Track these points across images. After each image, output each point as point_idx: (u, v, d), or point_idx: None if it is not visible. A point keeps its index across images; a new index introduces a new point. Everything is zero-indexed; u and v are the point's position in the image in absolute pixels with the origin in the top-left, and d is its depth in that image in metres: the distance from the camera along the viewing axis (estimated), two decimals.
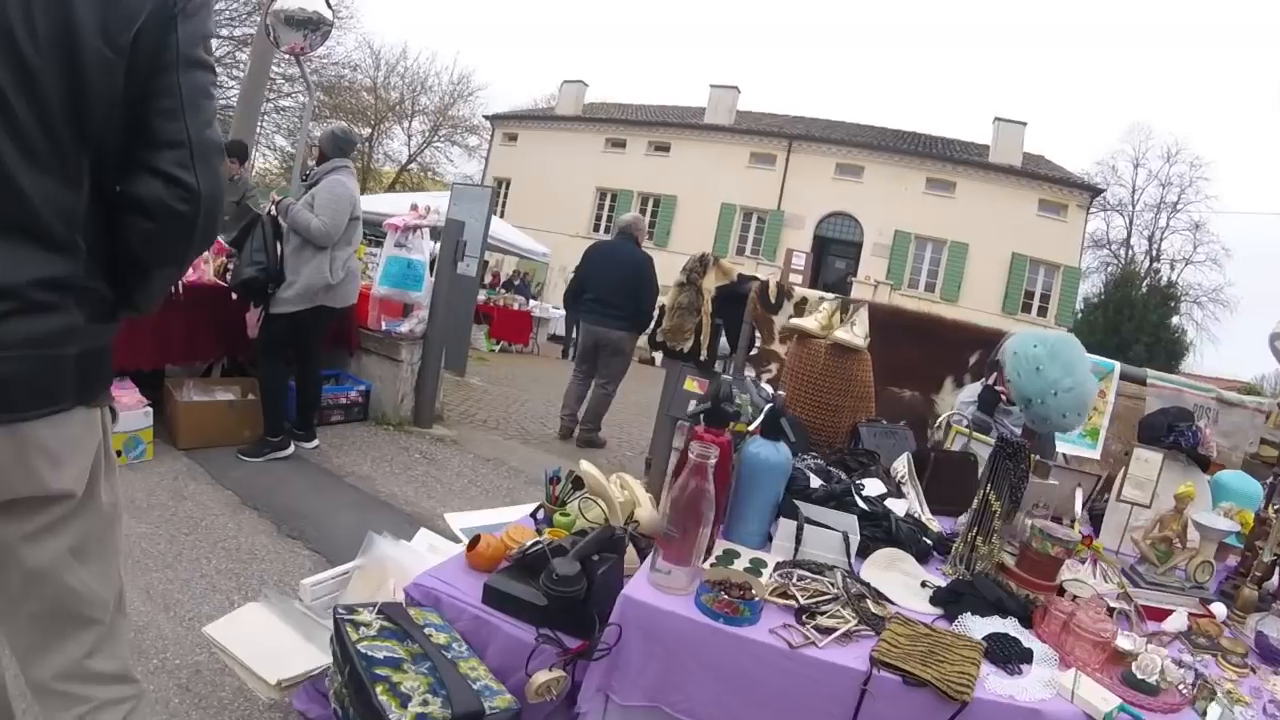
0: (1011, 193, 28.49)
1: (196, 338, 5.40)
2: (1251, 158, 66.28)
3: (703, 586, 1.72)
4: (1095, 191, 30.86)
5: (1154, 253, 38.80)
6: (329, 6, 8.91)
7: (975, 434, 3.22)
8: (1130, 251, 39.24)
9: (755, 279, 5.71)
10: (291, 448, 5.32)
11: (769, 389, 3.01)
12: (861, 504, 2.31)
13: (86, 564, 1.43)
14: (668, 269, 20.73)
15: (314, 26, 8.89)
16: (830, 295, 4.62)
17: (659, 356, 19.42)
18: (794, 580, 1.87)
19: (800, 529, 2.05)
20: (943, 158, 29.64)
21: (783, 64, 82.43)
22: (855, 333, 3.76)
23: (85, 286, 1.29)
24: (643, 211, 31.60)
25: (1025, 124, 29.33)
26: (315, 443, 5.50)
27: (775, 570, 1.94)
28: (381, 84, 36.74)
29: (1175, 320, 34.20)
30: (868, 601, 1.82)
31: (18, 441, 1.24)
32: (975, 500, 2.23)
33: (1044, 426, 3.28)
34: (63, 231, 1.24)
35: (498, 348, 15.38)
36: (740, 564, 1.94)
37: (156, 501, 4.18)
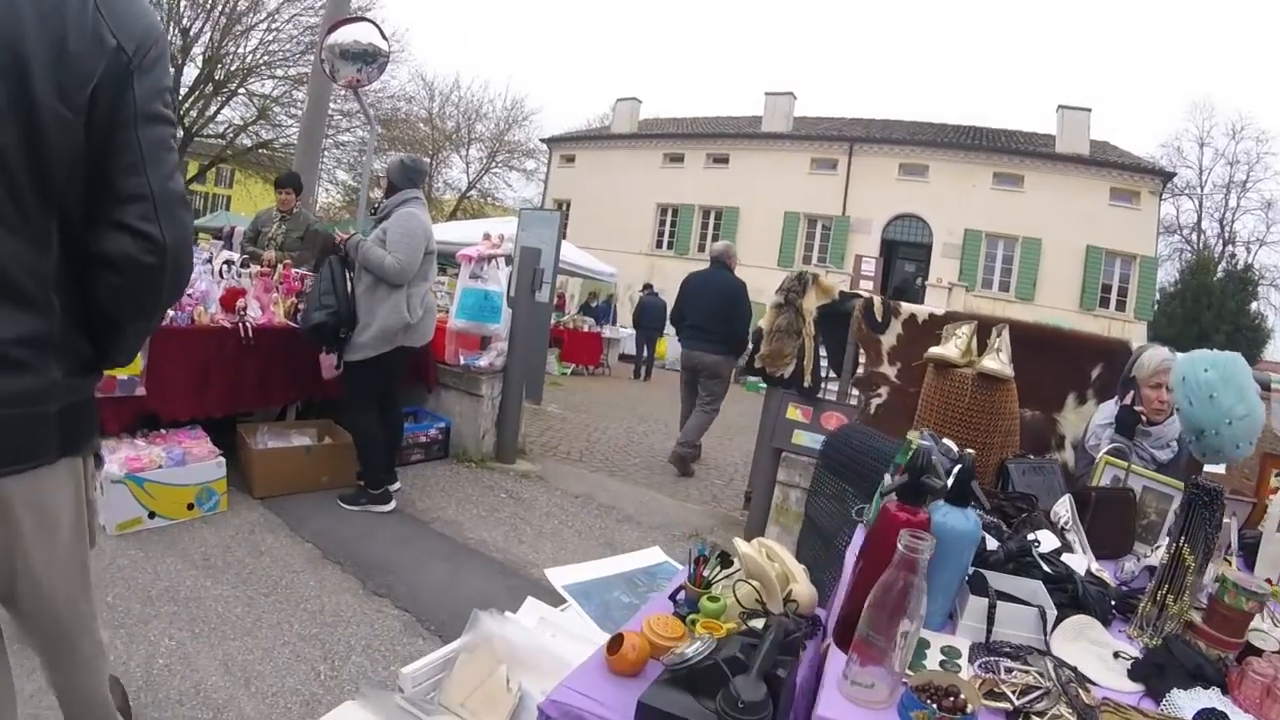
0: (1081, 183, 27.34)
1: (268, 382, 5.21)
2: None
3: (908, 697, 1.36)
4: (1167, 176, 29.52)
5: (1226, 235, 37.93)
6: (384, 38, 8.85)
7: (1135, 468, 2.84)
8: (1202, 236, 38.31)
9: (858, 296, 5.39)
10: (392, 504, 5.07)
11: (952, 445, 2.63)
12: (1044, 565, 2.00)
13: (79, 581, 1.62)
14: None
15: (370, 59, 8.86)
16: (966, 317, 4.18)
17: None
18: (1000, 673, 1.54)
19: (993, 607, 1.70)
20: (1008, 150, 28.63)
21: (837, 66, 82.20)
22: (1002, 359, 3.52)
23: (62, 343, 1.36)
24: (704, 224, 31.67)
25: (1090, 110, 28.23)
26: (397, 485, 5.23)
27: (972, 660, 1.61)
28: (437, 114, 37.06)
29: (1254, 306, 33.14)
30: (1075, 687, 1.51)
31: (4, 496, 1.34)
32: (1164, 553, 1.93)
33: (1215, 459, 3.02)
34: (35, 290, 1.30)
35: (570, 371, 15.21)
36: (933, 656, 1.60)
37: (233, 559, 3.96)
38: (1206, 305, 30.99)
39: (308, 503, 4.86)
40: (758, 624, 1.79)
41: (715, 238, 30.63)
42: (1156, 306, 29.25)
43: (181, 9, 24.24)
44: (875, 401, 5.17)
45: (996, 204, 27.85)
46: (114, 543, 3.87)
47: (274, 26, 25.94)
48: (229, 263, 5.29)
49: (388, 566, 4.15)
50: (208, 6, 24.58)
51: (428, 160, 34.53)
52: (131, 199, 1.35)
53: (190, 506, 4.35)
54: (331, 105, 27.05)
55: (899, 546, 1.38)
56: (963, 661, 1.60)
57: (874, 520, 1.64)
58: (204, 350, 4.76)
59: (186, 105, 25.86)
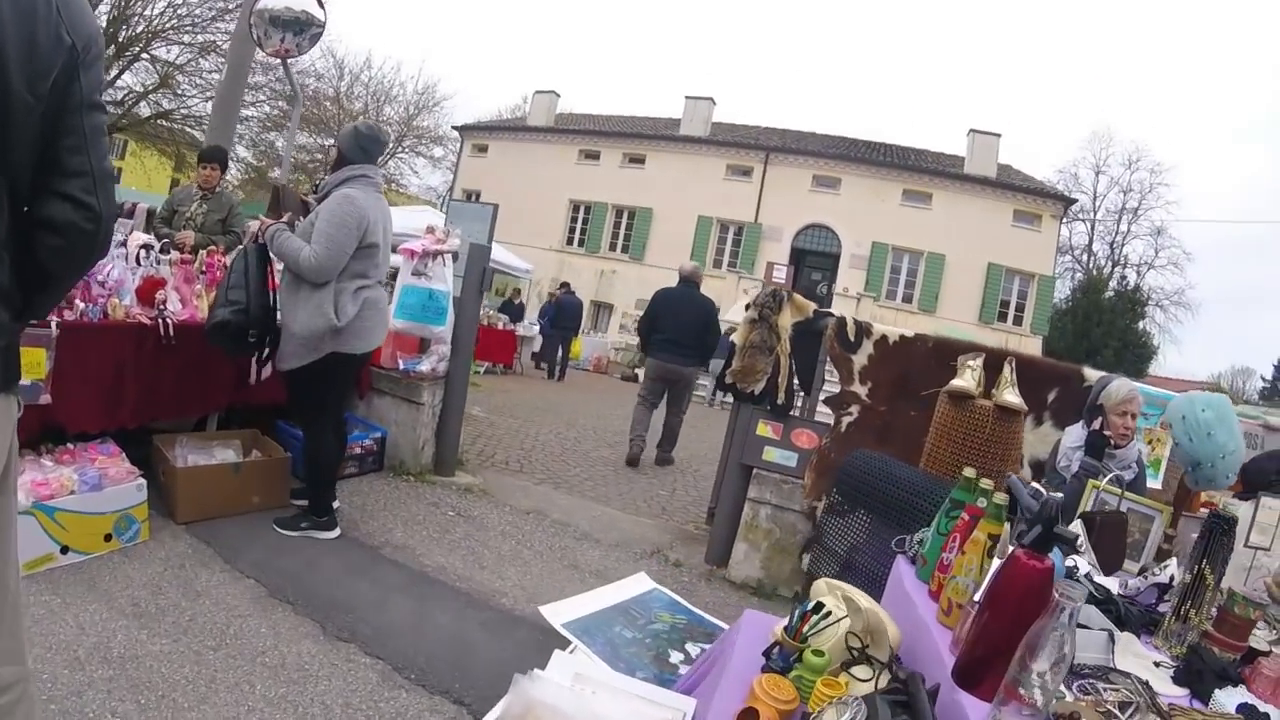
0: (987, 204, 28.41)
1: (190, 387, 4.64)
2: (1210, 160, 66.93)
3: None
4: (1069, 202, 31.21)
5: (1116, 258, 40.28)
6: (320, 6, 8.24)
7: (1127, 494, 3.13)
8: (1092, 257, 40.67)
9: (830, 314, 5.26)
10: (337, 531, 4.53)
11: (1040, 488, 2.61)
12: (1091, 589, 2.13)
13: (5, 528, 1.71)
14: (646, 283, 20.47)
15: (301, 28, 8.26)
16: (974, 349, 4.29)
17: (642, 373, 18.66)
18: (1099, 694, 1.70)
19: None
20: (919, 169, 29.44)
21: (758, 75, 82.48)
22: (1016, 392, 3.80)
23: (6, 290, 1.53)
24: (617, 223, 31.40)
25: (999, 135, 29.33)
26: (336, 503, 4.73)
27: (1068, 685, 1.70)
28: (345, 94, 35.81)
29: (1141, 325, 35.58)
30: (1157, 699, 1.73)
31: None
32: (1183, 572, 2.25)
33: (1207, 487, 3.58)
34: None
35: (483, 369, 14.70)
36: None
37: (167, 602, 3.38)
38: (1096, 322, 33.03)
39: (239, 528, 4.30)
40: (861, 672, 1.86)
41: (628, 237, 30.85)
42: (1049, 323, 30.37)
43: None
44: (846, 420, 5.08)
45: (905, 219, 28.65)
46: (22, 586, 3.28)
47: None
48: (147, 247, 4.65)
49: (345, 604, 3.67)
50: None
51: (389, 130, 33.46)
52: (75, 174, 1.56)
53: (108, 538, 3.75)
54: None
55: (1057, 597, 1.38)
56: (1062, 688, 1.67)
57: (1003, 567, 1.67)
58: (118, 350, 4.17)
59: None
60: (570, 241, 32.24)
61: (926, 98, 78.27)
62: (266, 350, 4.24)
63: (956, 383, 3.88)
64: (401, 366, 5.90)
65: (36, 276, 1.63)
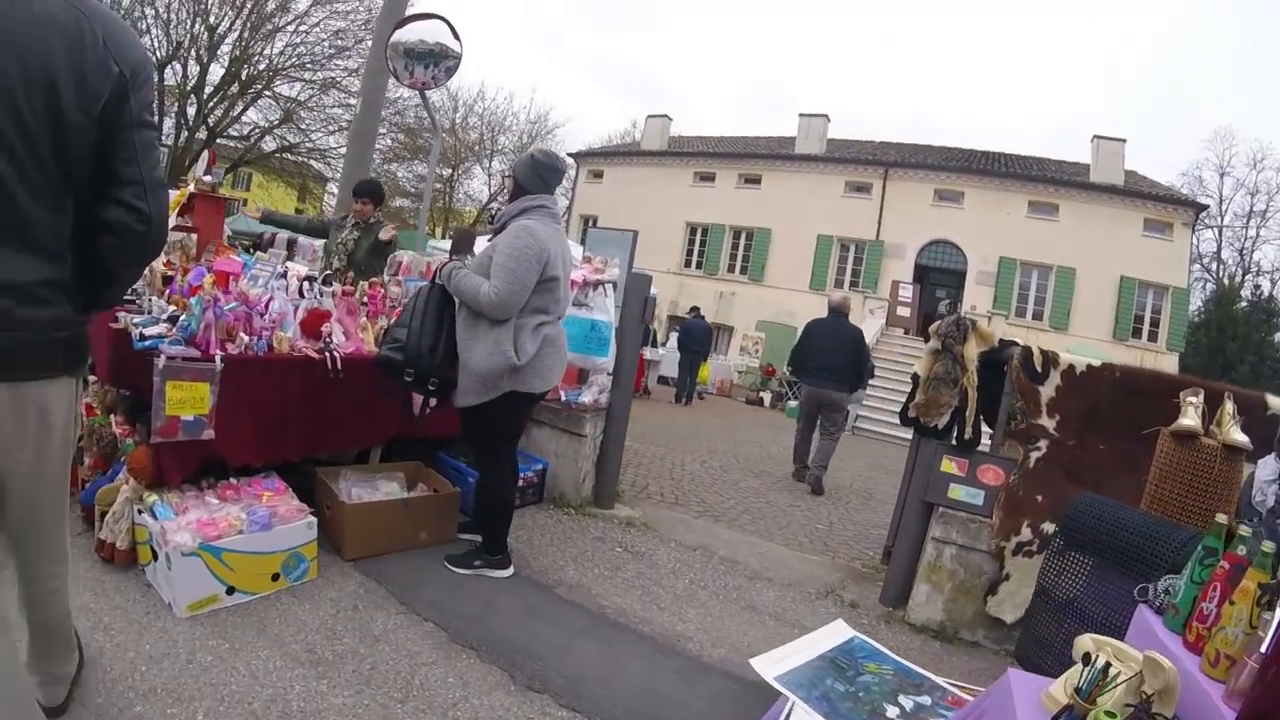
0: (1116, 213, 26.73)
1: (356, 420, 4.48)
2: None
3: None
4: (1199, 208, 29.06)
5: (1246, 265, 38.00)
6: (455, 37, 8.20)
7: None
8: (1223, 266, 38.44)
9: (1015, 344, 4.90)
10: (510, 569, 4.33)
11: None
12: None
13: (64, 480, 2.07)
14: (766, 303, 20.13)
15: (436, 60, 8.29)
16: (1193, 386, 4.03)
17: (767, 397, 18.68)
18: None
19: None
20: (1044, 179, 27.94)
21: (872, 90, 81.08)
22: (1239, 429, 3.64)
23: (71, 286, 1.84)
24: (735, 245, 31.00)
25: (1124, 140, 27.64)
26: None
27: None
28: (460, 124, 36.46)
29: (1278, 337, 33.29)
30: None
31: (18, 396, 1.77)
32: None
33: None
34: (55, 246, 1.78)
35: None
36: None
37: (343, 648, 3.19)
38: (1231, 336, 31.24)
39: (409, 565, 4.14)
40: None
41: (746, 258, 30.47)
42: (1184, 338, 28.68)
43: (209, 5, 24.02)
44: (1034, 455, 4.69)
45: (1032, 232, 27.24)
46: (186, 629, 3.12)
47: (302, 29, 25.60)
48: (309, 279, 4.54)
49: (530, 650, 3.45)
50: (237, 4, 24.22)
51: (568, 159, 34.13)
52: (128, 183, 1.84)
53: (275, 577, 3.60)
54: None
55: None
56: None
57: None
58: (284, 384, 4.05)
59: (211, 104, 25.42)
60: (688, 264, 31.93)
61: (1043, 103, 75.90)
62: (433, 388, 4.02)
63: (1184, 422, 3.67)
64: (563, 398, 5.71)
65: (99, 274, 1.92)
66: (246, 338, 3.84)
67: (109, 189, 1.84)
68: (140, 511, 3.50)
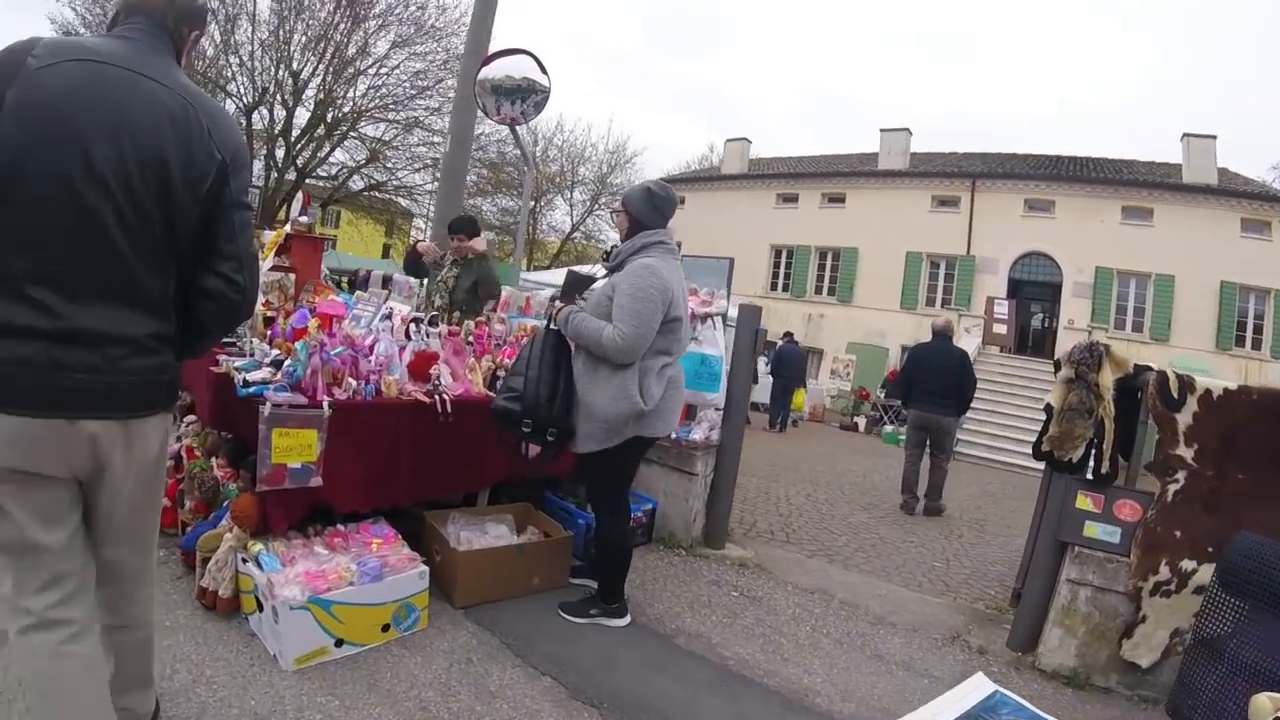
0: (1211, 214, 25.40)
1: (464, 463, 4.36)
2: None
3: None
4: None
5: None
6: (543, 72, 8.15)
7: None
8: None
9: (1150, 369, 4.56)
10: (628, 618, 4.15)
11: None
12: None
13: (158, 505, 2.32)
14: (855, 324, 19.77)
15: (524, 95, 8.26)
16: None
17: (862, 422, 18.38)
18: None
19: None
20: (1136, 183, 26.75)
21: (952, 100, 79.84)
22: None
23: (173, 338, 2.08)
24: (821, 266, 30.59)
25: (1215, 137, 26.37)
26: None
27: None
28: (540, 157, 36.74)
29: None
30: None
31: (129, 431, 2.00)
32: None
33: None
34: (163, 306, 2.03)
35: None
36: None
37: (461, 706, 3.04)
38: None
39: (521, 613, 3.99)
40: None
41: (834, 279, 30.06)
42: None
43: (291, 52, 24.60)
44: (1172, 488, 4.33)
45: (1127, 239, 26.04)
46: (293, 683, 3.01)
47: (383, 71, 26.06)
48: (416, 320, 4.44)
49: (654, 707, 3.26)
50: (318, 50, 24.79)
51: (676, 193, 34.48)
52: (228, 257, 2.10)
53: (385, 628, 3.48)
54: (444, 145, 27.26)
55: None
56: None
57: None
58: (393, 429, 3.95)
59: (299, 146, 26.00)
60: (774, 286, 31.56)
61: (1127, 103, 73.93)
62: (551, 438, 3.81)
63: None
64: (674, 435, 5.47)
65: (196, 331, 2.16)
66: (354, 383, 3.75)
67: (210, 261, 2.09)
68: (245, 560, 3.42)
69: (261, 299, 5.32)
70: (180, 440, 4.68)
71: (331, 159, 27.91)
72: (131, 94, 1.90)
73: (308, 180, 27.29)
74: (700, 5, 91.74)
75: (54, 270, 1.82)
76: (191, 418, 5.06)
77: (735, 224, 31.95)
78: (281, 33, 24.20)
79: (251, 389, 3.49)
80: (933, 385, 8.89)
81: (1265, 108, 65.41)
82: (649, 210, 3.92)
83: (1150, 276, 25.75)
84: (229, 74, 24.25)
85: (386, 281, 8.09)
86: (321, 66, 25.08)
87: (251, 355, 4.04)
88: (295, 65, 24.85)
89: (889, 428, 18.79)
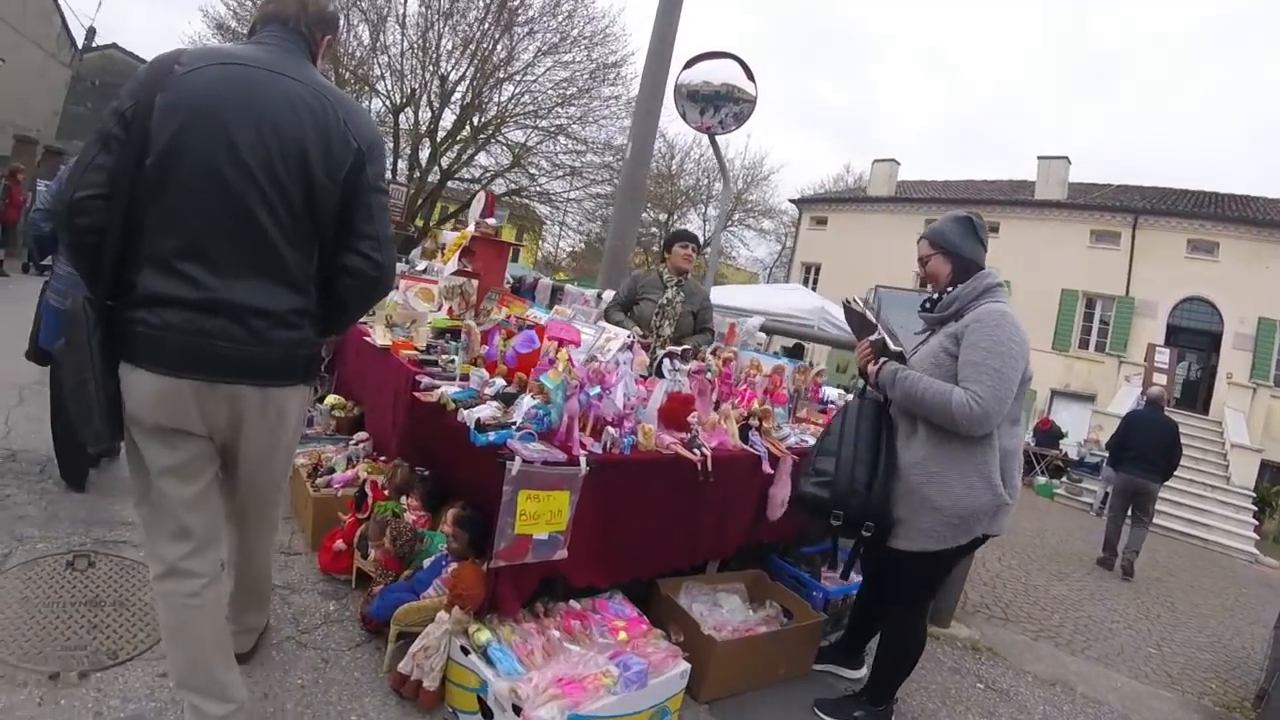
0: None
1: (713, 528, 3.68)
2: None
3: None
4: None
5: None
6: (749, 78, 7.44)
7: None
8: None
9: None
10: None
11: None
12: None
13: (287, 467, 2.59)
14: None
15: (723, 102, 7.61)
16: None
17: None
18: None
19: None
20: None
21: (1114, 126, 76.70)
22: None
23: (314, 314, 2.24)
24: None
25: None
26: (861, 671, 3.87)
27: None
28: (676, 171, 36.22)
29: None
30: None
31: (265, 396, 2.16)
32: None
33: None
34: (304, 283, 2.18)
35: None
36: None
37: None
38: None
39: (772, 709, 3.46)
40: None
41: None
42: None
43: (439, 55, 24.76)
44: None
45: None
46: None
47: (527, 79, 26.02)
48: (672, 354, 3.75)
49: None
50: (469, 53, 24.85)
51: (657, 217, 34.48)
52: (366, 237, 2.24)
53: None
54: (593, 156, 27.12)
55: None
56: None
57: None
58: (648, 489, 3.29)
59: (444, 148, 26.13)
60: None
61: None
62: (867, 533, 3.15)
63: None
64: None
65: (336, 306, 2.31)
66: (614, 432, 3.07)
67: (350, 241, 2.23)
68: (467, 651, 2.78)
69: (445, 306, 5.03)
70: (352, 464, 4.23)
71: (475, 161, 27.89)
72: (271, 91, 2.08)
73: (450, 182, 27.48)
74: (835, 21, 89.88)
75: (201, 248, 2.01)
76: (362, 435, 4.52)
77: (880, 247, 30.44)
78: (430, 35, 24.37)
79: (490, 437, 2.83)
80: (1145, 450, 9.46)
81: None
82: (973, 245, 3.29)
83: None
84: (377, 72, 24.59)
85: (555, 293, 7.49)
86: (470, 70, 25.08)
87: (464, 380, 3.45)
88: (443, 68, 24.95)
89: (1042, 479, 17.51)
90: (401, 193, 20.58)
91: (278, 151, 2.04)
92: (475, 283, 5.50)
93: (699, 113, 7.66)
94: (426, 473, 3.65)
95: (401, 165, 25.69)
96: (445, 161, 26.86)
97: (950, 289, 3.24)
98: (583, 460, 2.85)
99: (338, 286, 2.26)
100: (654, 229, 35.46)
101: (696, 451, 3.35)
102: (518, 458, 2.69)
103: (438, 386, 3.40)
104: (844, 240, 32.34)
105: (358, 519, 3.66)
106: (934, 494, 3.03)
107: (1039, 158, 29.89)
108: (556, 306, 5.70)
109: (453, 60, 25.01)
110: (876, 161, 34.49)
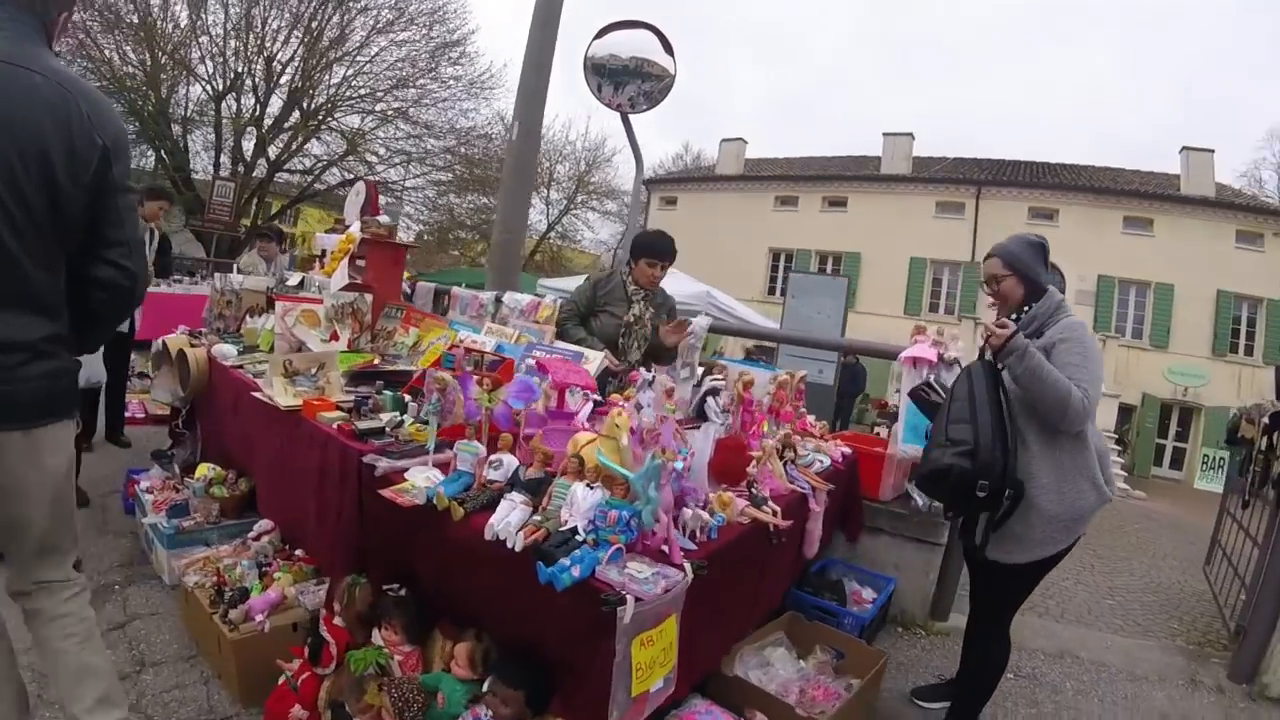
0: (1209, 226, 25.87)
1: (770, 586, 3.21)
2: None
3: None
4: None
5: None
6: (667, 52, 6.65)
7: None
8: None
9: None
10: None
11: None
12: None
13: (61, 510, 2.14)
14: (859, 330, 18.80)
15: (630, 78, 6.81)
16: None
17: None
18: None
19: None
20: (1137, 194, 26.87)
21: (952, 103, 78.68)
22: None
23: (67, 338, 2.01)
24: (823, 270, 29.34)
25: (1213, 151, 26.82)
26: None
27: None
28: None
29: None
30: None
31: (31, 440, 1.94)
32: None
33: None
34: (55, 305, 1.96)
35: None
36: None
37: None
38: None
39: None
40: None
41: None
42: None
43: (264, 36, 23.20)
44: None
45: (1127, 249, 26.39)
46: None
47: (358, 60, 24.61)
48: (712, 392, 2.95)
49: None
50: (297, 35, 23.46)
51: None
52: (115, 244, 2.03)
53: None
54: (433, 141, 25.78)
55: None
56: None
57: None
58: (734, 572, 2.64)
59: (271, 137, 24.49)
60: (772, 291, 30.25)
61: (1125, 112, 73.99)
62: (1008, 502, 2.89)
63: None
64: (918, 502, 4.54)
65: (88, 323, 2.09)
66: (706, 515, 2.27)
67: (98, 249, 2.03)
68: None
69: (329, 329, 4.30)
70: (265, 574, 3.25)
71: (306, 151, 26.17)
72: (6, 86, 1.82)
73: (280, 174, 25.75)
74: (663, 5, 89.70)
75: None
76: (265, 526, 3.56)
77: (732, 226, 31.08)
78: (255, 14, 22.64)
79: (572, 570, 1.99)
80: None
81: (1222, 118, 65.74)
82: (1042, 268, 3.20)
83: (1150, 285, 26.35)
84: (198, 55, 22.67)
85: (439, 297, 6.53)
86: (299, 51, 23.53)
87: (436, 457, 2.60)
88: (269, 50, 23.32)
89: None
90: (228, 189, 18.78)
91: (16, 157, 1.81)
92: (369, 297, 4.64)
93: (606, 88, 6.82)
94: (403, 592, 2.64)
95: (224, 159, 23.94)
96: (273, 152, 25.06)
97: (1025, 308, 3.16)
98: (689, 567, 2.10)
99: (90, 302, 2.06)
100: (487, 215, 34.61)
101: (765, 509, 2.72)
102: (629, 598, 1.90)
103: (400, 469, 2.54)
104: (695, 220, 32.08)
105: (316, 674, 2.66)
106: (1048, 503, 2.92)
107: (884, 134, 30.73)
108: (489, 325, 4.81)
109: (279, 40, 23.41)
110: (724, 141, 34.49)
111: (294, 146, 25.53)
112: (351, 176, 25.95)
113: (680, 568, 2.10)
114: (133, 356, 6.45)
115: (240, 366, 4.13)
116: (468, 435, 2.59)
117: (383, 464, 2.55)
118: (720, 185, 33.27)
